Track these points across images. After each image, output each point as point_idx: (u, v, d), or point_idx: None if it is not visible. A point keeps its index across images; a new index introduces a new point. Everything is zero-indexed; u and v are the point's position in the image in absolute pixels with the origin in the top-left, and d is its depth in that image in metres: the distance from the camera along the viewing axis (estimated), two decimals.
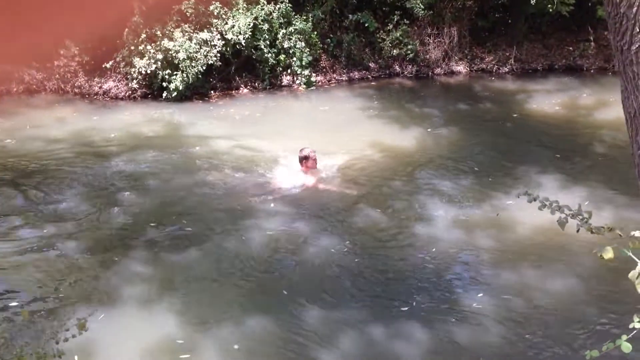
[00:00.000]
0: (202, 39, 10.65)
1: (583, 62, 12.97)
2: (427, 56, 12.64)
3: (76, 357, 4.26)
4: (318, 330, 4.73)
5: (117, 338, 4.65)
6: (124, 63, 10.89)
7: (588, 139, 8.86)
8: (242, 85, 11.55)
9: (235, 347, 4.55)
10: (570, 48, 13.23)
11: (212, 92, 11.26)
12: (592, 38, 13.08)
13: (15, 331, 4.62)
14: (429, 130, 9.21)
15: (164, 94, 10.67)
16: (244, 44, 10.95)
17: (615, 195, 6.80)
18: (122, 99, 11.01)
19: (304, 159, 7.19)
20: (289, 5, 11.50)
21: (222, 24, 10.90)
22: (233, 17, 10.97)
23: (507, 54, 13.01)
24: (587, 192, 6.92)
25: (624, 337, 2.23)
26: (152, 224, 6.38)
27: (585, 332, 4.63)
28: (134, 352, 4.52)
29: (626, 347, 2.21)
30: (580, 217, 1.98)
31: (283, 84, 11.76)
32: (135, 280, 5.39)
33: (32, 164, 7.96)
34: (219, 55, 10.80)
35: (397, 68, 12.61)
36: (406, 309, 4.99)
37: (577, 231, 2.01)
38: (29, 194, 7.12)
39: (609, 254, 1.90)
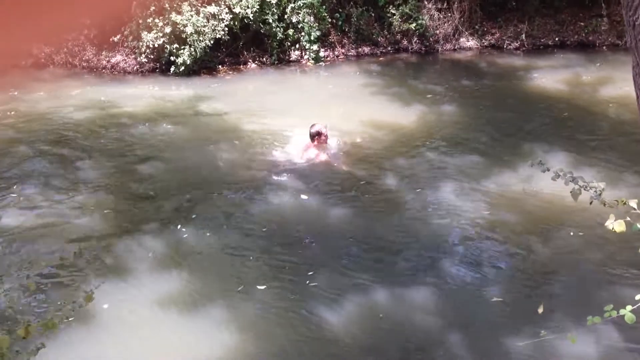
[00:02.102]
0: (210, 13, 10.57)
1: (595, 38, 12.77)
2: (437, 31, 12.50)
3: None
4: (323, 299, 4.81)
5: (122, 309, 4.74)
6: (131, 37, 10.84)
7: (596, 115, 8.78)
8: (250, 60, 11.49)
9: (245, 316, 4.62)
10: (583, 24, 13.03)
11: (219, 66, 11.21)
12: (604, 14, 12.86)
13: (24, 301, 4.69)
14: (446, 105, 9.17)
15: (172, 69, 10.64)
16: (252, 18, 10.86)
17: (623, 171, 6.78)
18: (129, 72, 11.00)
19: (316, 135, 7.15)
20: None
21: None
22: None
23: (519, 29, 12.83)
24: (594, 167, 6.90)
25: (629, 307, 2.25)
26: (162, 197, 6.43)
27: (590, 301, 4.68)
28: (138, 322, 4.61)
29: (630, 317, 2.24)
30: (594, 189, 1.99)
31: (291, 59, 11.69)
32: (144, 251, 5.47)
33: (44, 136, 8.00)
34: (226, 29, 10.72)
35: (406, 43, 12.48)
36: (411, 278, 5.07)
37: (590, 203, 2.02)
38: (41, 164, 7.20)
39: (620, 227, 1.91)
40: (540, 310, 4.09)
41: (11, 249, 5.50)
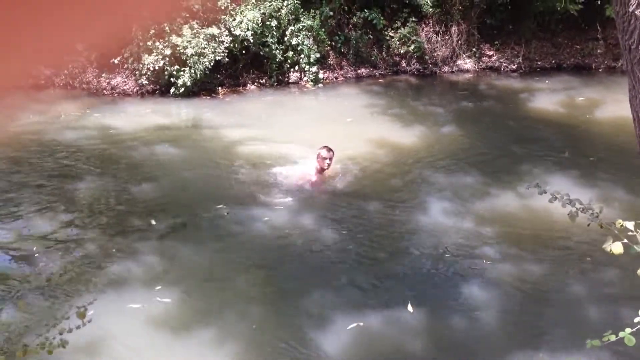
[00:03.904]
0: (210, 35, 10.67)
1: (592, 61, 12.91)
2: (435, 54, 12.63)
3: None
4: (318, 319, 4.80)
5: (118, 327, 4.70)
6: (132, 59, 10.92)
7: (593, 137, 8.84)
8: (250, 82, 11.57)
9: (239, 334, 4.58)
10: (579, 47, 13.18)
11: (219, 88, 11.28)
12: (600, 37, 13.02)
13: (18, 322, 4.67)
14: (445, 127, 9.22)
15: (172, 90, 10.70)
16: (251, 40, 10.96)
17: (620, 192, 6.80)
18: (129, 94, 11.05)
19: (321, 155, 7.05)
20: (297, 1, 11.51)
21: (230, 20, 10.92)
22: (241, 13, 10.99)
23: (516, 52, 12.97)
24: (592, 188, 6.93)
25: (628, 330, 2.24)
26: (158, 216, 6.41)
27: (588, 324, 4.65)
28: (131, 341, 4.59)
29: (629, 340, 2.22)
30: (591, 211, 1.99)
31: (290, 80, 11.77)
32: (140, 269, 5.47)
33: (42, 157, 8.00)
34: (226, 51, 10.82)
35: (405, 65, 12.60)
36: (405, 300, 5.02)
37: (588, 225, 2.02)
38: (37, 184, 7.19)
39: (618, 249, 1.91)
40: (410, 309, 4.11)
41: (2, 267, 5.49)
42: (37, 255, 5.70)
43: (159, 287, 5.22)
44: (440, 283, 5.31)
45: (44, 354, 2.79)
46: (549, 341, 4.50)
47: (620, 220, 1.94)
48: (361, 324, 4.74)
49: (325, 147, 7.12)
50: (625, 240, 1.91)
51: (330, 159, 7.05)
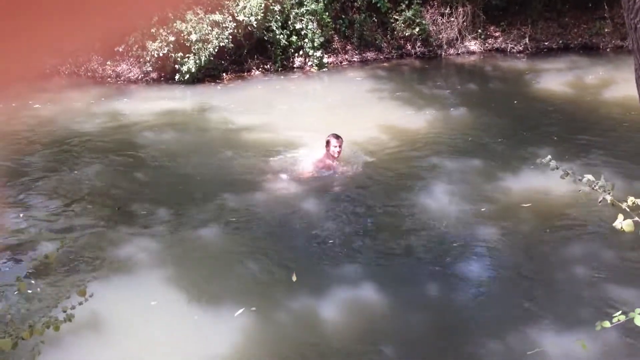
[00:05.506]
0: (214, 21, 10.62)
1: (599, 40, 12.77)
2: (440, 36, 12.52)
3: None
4: (318, 300, 4.80)
5: (119, 308, 4.75)
6: (136, 46, 10.89)
7: (601, 118, 8.77)
8: (254, 67, 11.53)
9: (240, 314, 4.61)
10: (586, 26, 13.03)
11: (224, 74, 11.25)
12: (607, 16, 12.86)
13: (20, 304, 4.71)
14: (451, 109, 9.17)
15: (177, 77, 10.68)
16: (255, 26, 10.90)
17: (629, 172, 6.75)
18: (134, 82, 11.05)
19: (334, 146, 6.93)
20: None
21: (234, 5, 10.85)
22: None
23: (522, 32, 12.84)
24: (600, 169, 6.87)
25: (638, 310, 2.23)
26: (162, 201, 6.44)
27: (597, 304, 4.64)
28: (136, 320, 4.64)
29: None
30: (603, 189, 1.98)
31: (295, 65, 11.72)
32: (142, 251, 5.50)
33: (48, 144, 8.03)
34: (230, 37, 10.77)
35: (410, 48, 12.51)
36: (410, 281, 5.05)
37: (600, 202, 2.01)
38: (43, 169, 7.23)
39: (629, 227, 1.90)
40: (294, 278, 4.14)
41: (6, 252, 5.54)
42: (40, 238, 5.75)
43: (159, 269, 5.25)
44: (443, 265, 5.30)
45: (48, 335, 2.80)
46: (558, 323, 4.49)
47: (632, 198, 1.92)
48: (363, 306, 4.76)
49: (333, 134, 7.03)
50: (636, 218, 1.90)
51: (340, 145, 6.98)
